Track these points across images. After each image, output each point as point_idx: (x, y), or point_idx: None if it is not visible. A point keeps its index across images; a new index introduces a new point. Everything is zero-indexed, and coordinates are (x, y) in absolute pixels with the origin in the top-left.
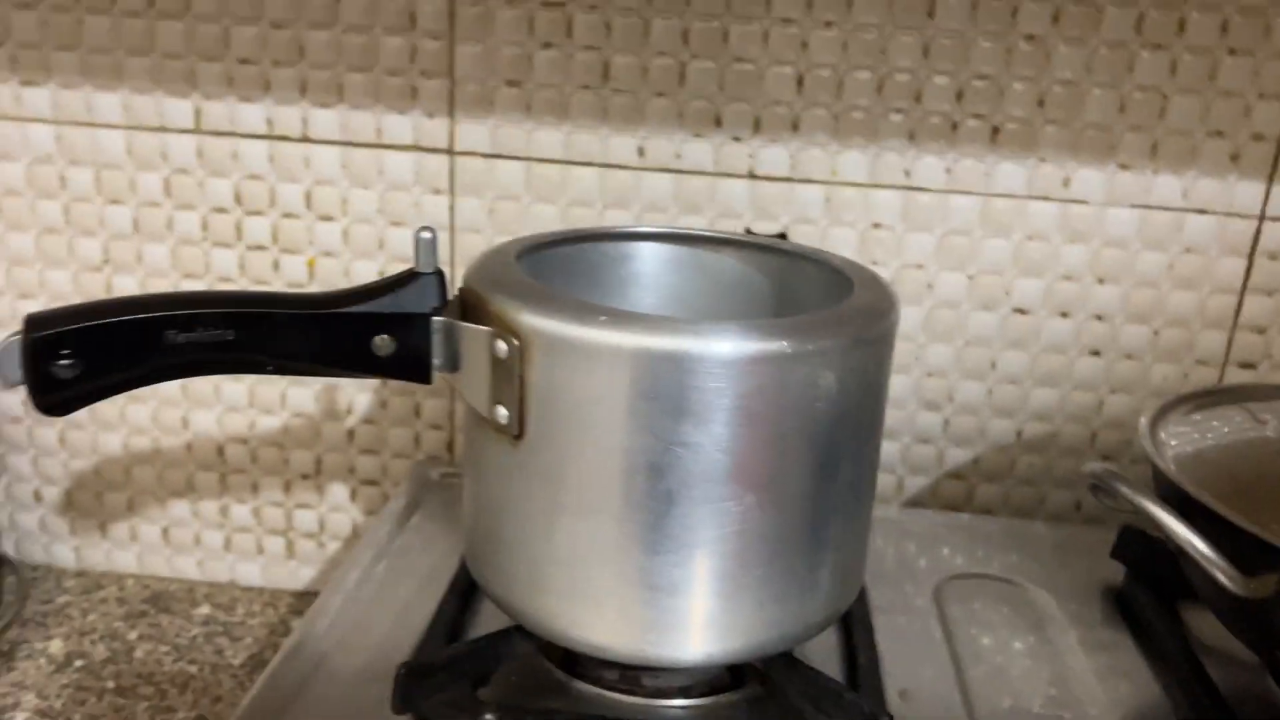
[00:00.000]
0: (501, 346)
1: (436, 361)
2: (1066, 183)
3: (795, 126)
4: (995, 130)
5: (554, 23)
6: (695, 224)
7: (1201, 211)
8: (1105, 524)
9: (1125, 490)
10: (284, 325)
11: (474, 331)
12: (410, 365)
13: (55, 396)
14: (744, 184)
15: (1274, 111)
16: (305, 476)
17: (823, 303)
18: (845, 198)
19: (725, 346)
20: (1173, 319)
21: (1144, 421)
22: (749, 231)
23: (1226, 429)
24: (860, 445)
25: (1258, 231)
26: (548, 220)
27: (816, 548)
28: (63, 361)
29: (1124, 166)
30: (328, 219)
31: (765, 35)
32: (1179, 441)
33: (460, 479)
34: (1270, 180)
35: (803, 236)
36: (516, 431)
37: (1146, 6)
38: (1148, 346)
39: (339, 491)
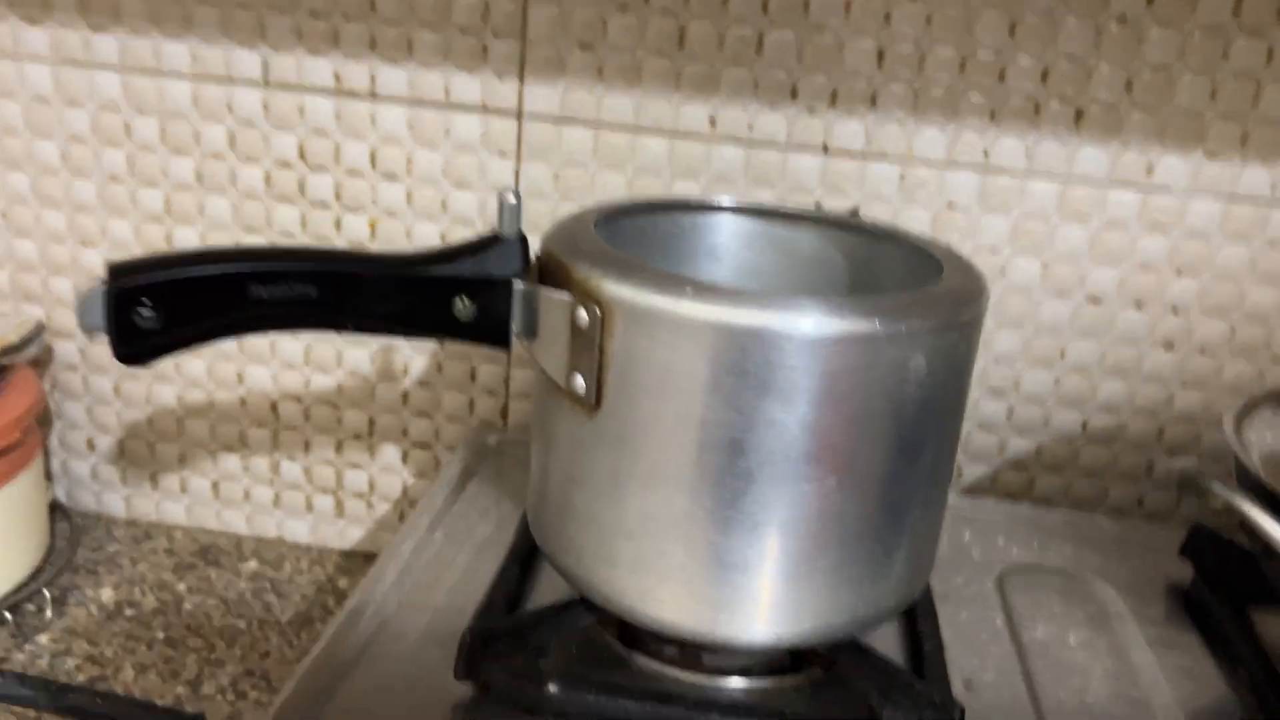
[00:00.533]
0: (583, 315)
1: (515, 328)
2: (1150, 170)
3: (873, 101)
4: (1079, 113)
5: None
6: (766, 198)
7: None
8: (1168, 521)
9: (1222, 490)
10: (368, 284)
11: (555, 299)
12: (490, 330)
13: (136, 346)
14: (817, 158)
15: None
16: (357, 437)
17: (902, 283)
18: (920, 177)
19: (816, 323)
20: (1251, 314)
21: (1229, 419)
22: (818, 208)
23: None
24: (943, 430)
25: None
26: (614, 188)
27: (894, 532)
28: (144, 311)
29: (1211, 155)
30: (391, 178)
31: (847, 6)
32: (1264, 441)
33: (517, 447)
34: None
35: (875, 215)
36: (594, 401)
37: None
38: (1224, 342)
39: (391, 453)
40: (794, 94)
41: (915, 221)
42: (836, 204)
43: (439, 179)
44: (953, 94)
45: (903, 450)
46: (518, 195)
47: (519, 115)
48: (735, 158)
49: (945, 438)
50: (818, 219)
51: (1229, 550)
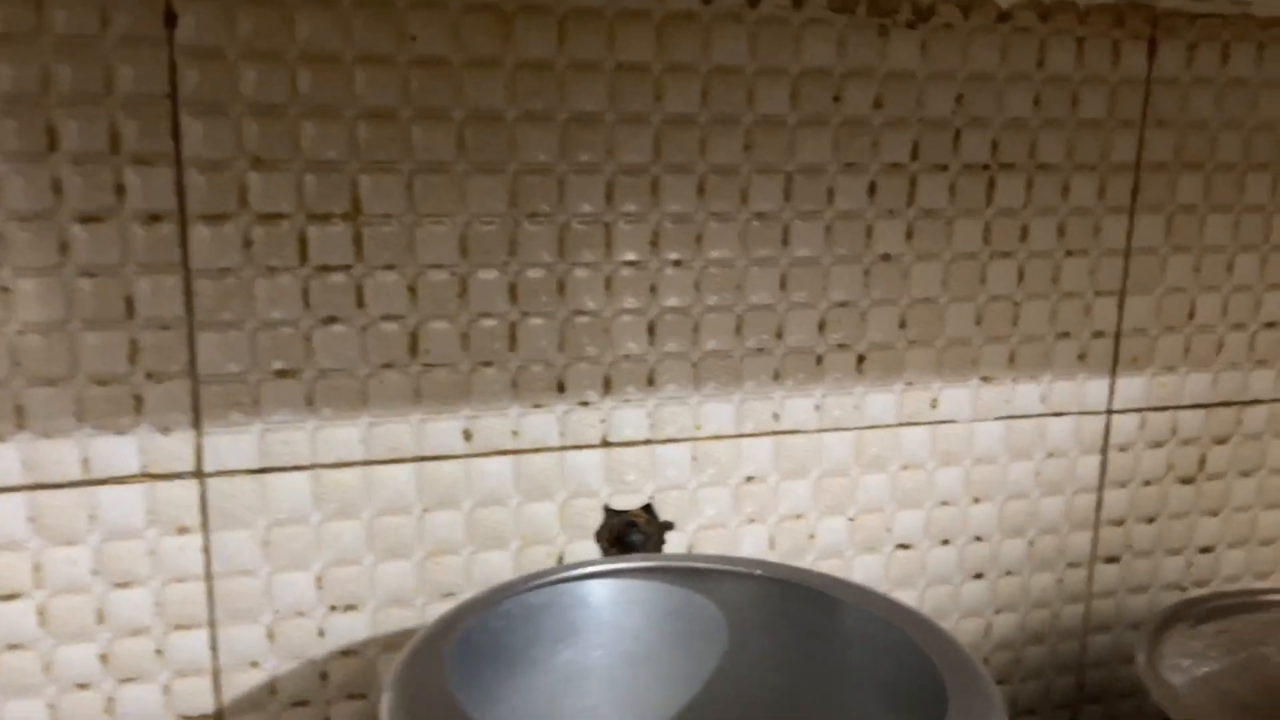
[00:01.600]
0: None
1: None
2: (934, 404)
3: (651, 381)
4: (860, 358)
5: (337, 289)
6: (544, 510)
7: (1058, 414)
8: None
9: None
10: None
11: None
12: None
13: None
14: (597, 454)
15: (1110, 308)
16: None
17: (844, 655)
18: (712, 452)
19: None
20: (1044, 527)
21: (1142, 660)
22: (608, 509)
23: (1218, 652)
24: None
25: (1107, 426)
26: (350, 540)
27: None
28: None
29: (986, 380)
30: (11, 597)
31: (607, 281)
32: (1174, 674)
33: None
34: (1113, 375)
35: (671, 503)
36: None
37: (991, 216)
38: (1024, 558)
39: None
40: (561, 387)
41: (714, 501)
42: (625, 499)
43: (86, 582)
44: (733, 358)
45: None
46: None
47: (200, 475)
48: (501, 471)
49: None
50: (681, 570)
51: None
